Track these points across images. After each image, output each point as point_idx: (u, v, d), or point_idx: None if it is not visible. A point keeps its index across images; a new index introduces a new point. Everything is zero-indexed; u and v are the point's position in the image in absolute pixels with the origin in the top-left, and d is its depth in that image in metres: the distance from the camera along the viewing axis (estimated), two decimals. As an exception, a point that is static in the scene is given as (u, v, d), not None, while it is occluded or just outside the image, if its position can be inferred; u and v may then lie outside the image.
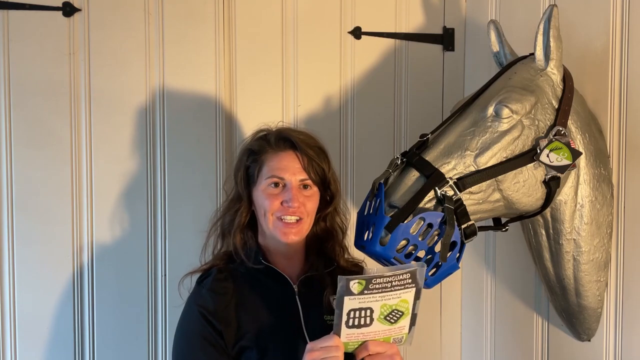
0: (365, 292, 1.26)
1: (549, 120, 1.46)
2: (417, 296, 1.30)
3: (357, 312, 1.27)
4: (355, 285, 1.25)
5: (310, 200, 1.52)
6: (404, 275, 1.27)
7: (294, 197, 1.48)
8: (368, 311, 1.28)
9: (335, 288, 1.47)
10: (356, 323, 1.28)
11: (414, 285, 1.28)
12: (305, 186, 1.52)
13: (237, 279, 1.52)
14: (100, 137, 1.94)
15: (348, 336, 1.29)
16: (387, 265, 1.44)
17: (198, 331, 1.46)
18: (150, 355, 2.00)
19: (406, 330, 1.33)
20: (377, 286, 1.26)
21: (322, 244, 1.59)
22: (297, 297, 1.51)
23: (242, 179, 1.55)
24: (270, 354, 1.44)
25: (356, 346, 1.32)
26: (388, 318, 1.30)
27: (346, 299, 1.26)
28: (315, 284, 1.53)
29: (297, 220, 1.49)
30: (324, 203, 1.58)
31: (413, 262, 1.36)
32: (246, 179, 1.55)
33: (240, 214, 1.55)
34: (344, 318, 1.27)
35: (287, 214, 1.48)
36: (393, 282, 1.27)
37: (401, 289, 1.28)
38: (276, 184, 1.50)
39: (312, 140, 1.56)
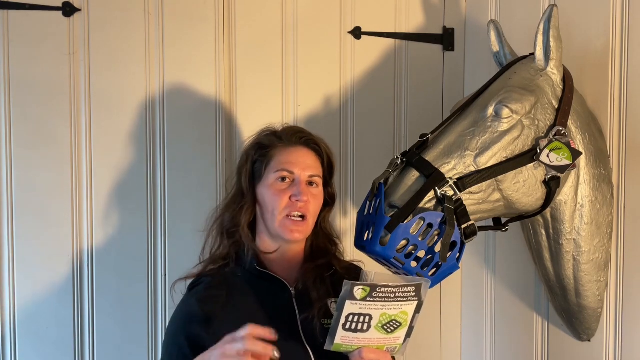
0: (368, 299, 1.25)
1: (549, 120, 1.46)
2: (418, 310, 1.30)
3: (356, 317, 1.27)
4: (359, 291, 1.25)
5: (316, 199, 1.49)
6: (409, 288, 1.27)
7: (303, 191, 1.45)
8: (367, 317, 1.27)
9: (333, 291, 1.47)
10: (353, 327, 1.28)
11: (416, 298, 1.28)
12: (311, 183, 1.50)
13: (230, 285, 1.47)
14: (100, 137, 1.94)
15: (343, 338, 1.29)
16: (386, 266, 1.44)
17: (176, 336, 1.43)
18: (150, 355, 1.99)
19: (401, 341, 1.33)
20: (381, 295, 1.25)
21: (319, 247, 1.56)
22: (294, 299, 1.48)
23: (247, 175, 1.51)
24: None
25: (349, 349, 1.32)
26: (385, 327, 1.29)
27: (348, 302, 1.25)
28: (313, 288, 1.49)
29: (303, 218, 1.46)
30: (323, 205, 1.55)
31: (418, 276, 1.35)
32: (251, 174, 1.51)
33: (245, 212, 1.50)
34: (342, 320, 1.27)
35: (294, 209, 1.45)
36: (397, 293, 1.26)
37: (403, 301, 1.27)
38: (283, 179, 1.47)
39: (322, 141, 1.56)
